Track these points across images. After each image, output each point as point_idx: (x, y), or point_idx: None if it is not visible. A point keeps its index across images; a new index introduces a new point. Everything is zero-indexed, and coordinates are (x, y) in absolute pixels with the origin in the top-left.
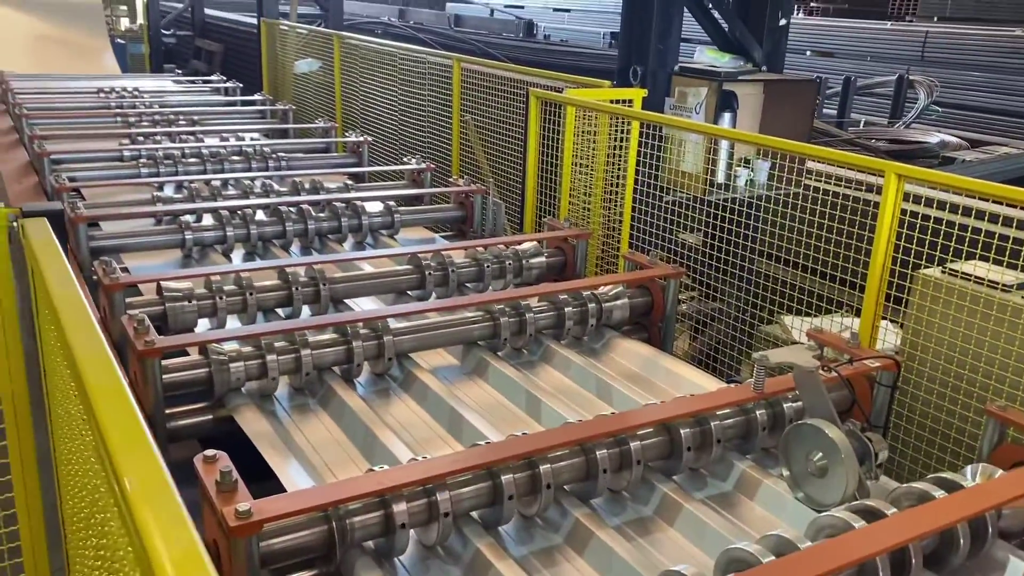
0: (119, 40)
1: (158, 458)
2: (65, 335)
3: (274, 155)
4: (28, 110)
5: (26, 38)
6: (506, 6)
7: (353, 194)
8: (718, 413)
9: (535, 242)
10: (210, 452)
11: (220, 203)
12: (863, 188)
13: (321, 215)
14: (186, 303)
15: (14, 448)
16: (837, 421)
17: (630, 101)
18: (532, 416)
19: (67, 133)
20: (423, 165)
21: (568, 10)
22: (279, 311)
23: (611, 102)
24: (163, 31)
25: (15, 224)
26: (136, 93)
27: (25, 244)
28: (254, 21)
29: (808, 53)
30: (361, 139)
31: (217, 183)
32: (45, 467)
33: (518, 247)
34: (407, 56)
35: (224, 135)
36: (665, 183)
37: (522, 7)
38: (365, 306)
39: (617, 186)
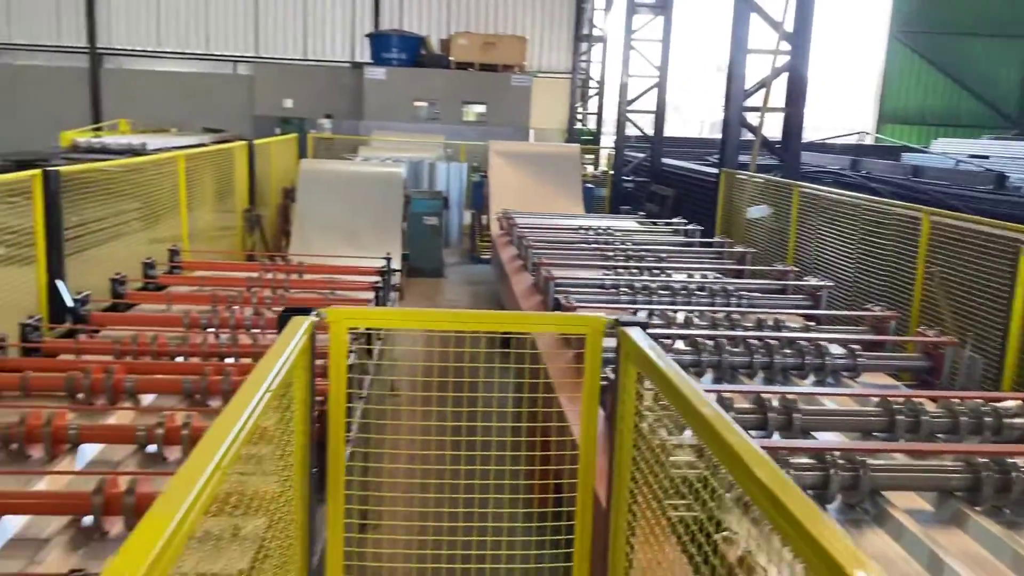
0: (588, 185)
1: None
2: (708, 422)
3: (736, 292)
4: (532, 242)
5: (523, 183)
6: (970, 156)
7: (815, 334)
8: None
9: (1020, 401)
10: None
11: (694, 331)
12: None
13: (786, 351)
14: None
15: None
16: None
17: None
18: None
19: (559, 262)
20: (887, 313)
21: None
22: (752, 433)
23: None
24: (623, 177)
25: (613, 330)
26: (610, 231)
27: (625, 345)
28: (705, 169)
29: None
30: (822, 283)
31: (683, 314)
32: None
33: (997, 404)
34: (870, 207)
35: (689, 272)
36: None
37: (987, 157)
38: (832, 441)
39: None
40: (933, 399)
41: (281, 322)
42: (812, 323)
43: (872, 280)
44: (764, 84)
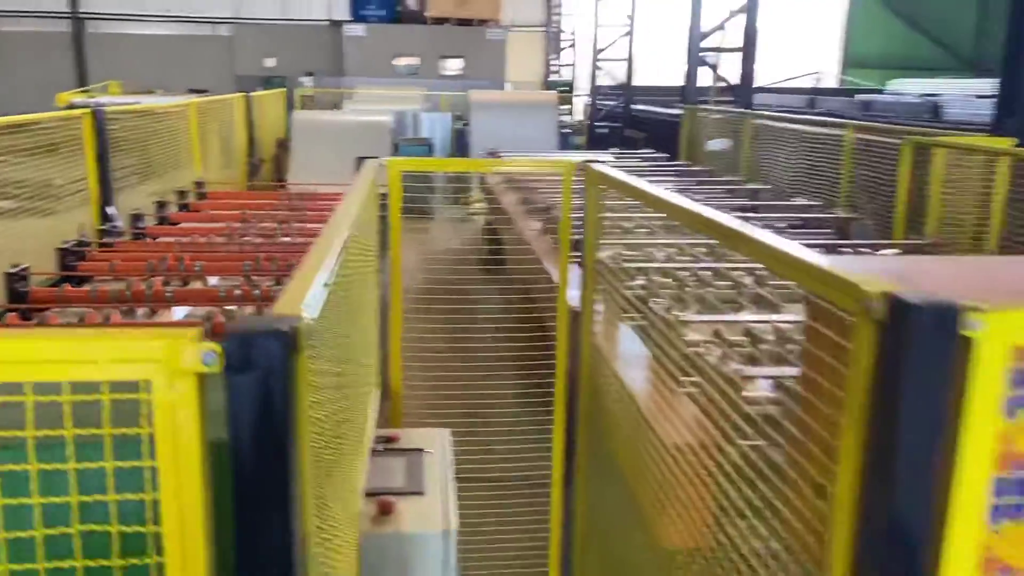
0: (565, 131)
1: None
2: (668, 202)
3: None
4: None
5: (503, 129)
6: (921, 95)
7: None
8: None
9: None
10: None
11: None
12: None
13: None
14: None
15: None
16: None
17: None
18: None
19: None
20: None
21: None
22: None
23: None
24: (598, 124)
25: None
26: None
27: (590, 175)
28: (672, 111)
29: None
30: (763, 186)
31: None
32: None
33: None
34: (805, 130)
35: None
36: None
37: (938, 95)
38: None
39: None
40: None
41: (357, 167)
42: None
43: (808, 185)
44: (720, 27)
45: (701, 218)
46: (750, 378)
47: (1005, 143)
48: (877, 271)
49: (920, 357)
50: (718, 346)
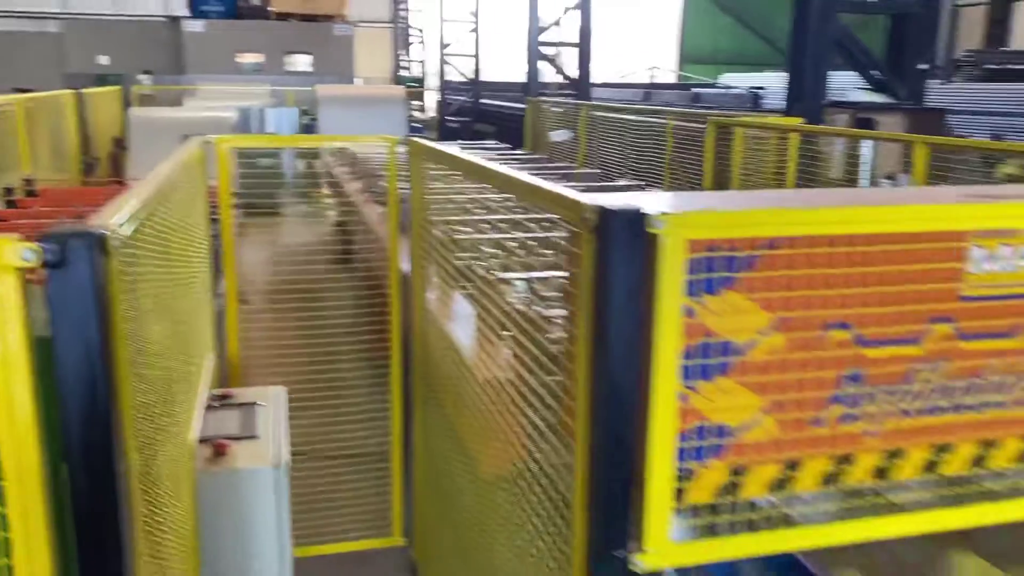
0: (415, 125)
1: None
2: (473, 165)
3: None
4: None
5: (351, 124)
6: (749, 87)
7: None
8: None
9: None
10: None
11: None
12: None
13: None
14: None
15: None
16: None
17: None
18: None
19: None
20: None
21: None
22: None
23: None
24: (448, 118)
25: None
26: None
27: (414, 147)
28: (518, 105)
29: None
30: (594, 171)
31: None
32: None
33: None
34: (634, 119)
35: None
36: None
37: (763, 87)
38: None
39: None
40: None
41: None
42: None
43: (636, 168)
44: (556, 23)
45: (471, 165)
46: (553, 321)
47: (794, 122)
48: (604, 197)
49: (620, 251)
50: (530, 299)
